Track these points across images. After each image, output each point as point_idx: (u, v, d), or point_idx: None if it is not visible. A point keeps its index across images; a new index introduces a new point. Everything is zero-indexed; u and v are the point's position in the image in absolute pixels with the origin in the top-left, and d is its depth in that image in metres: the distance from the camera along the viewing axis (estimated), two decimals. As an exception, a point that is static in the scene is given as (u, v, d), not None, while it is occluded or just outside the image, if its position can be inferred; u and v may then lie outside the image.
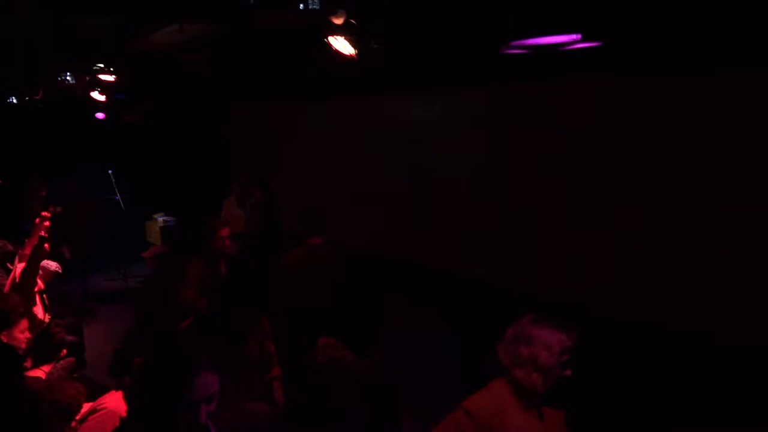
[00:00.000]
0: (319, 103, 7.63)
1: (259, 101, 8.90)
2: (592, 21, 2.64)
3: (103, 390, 3.66)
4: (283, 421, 3.43)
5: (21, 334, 3.63)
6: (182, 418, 2.15)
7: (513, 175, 5.34)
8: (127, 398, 2.96)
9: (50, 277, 4.91)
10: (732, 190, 3.85)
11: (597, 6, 2.66)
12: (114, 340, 4.26)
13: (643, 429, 3.87)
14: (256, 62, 6.38)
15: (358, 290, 5.26)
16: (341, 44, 4.11)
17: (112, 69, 6.57)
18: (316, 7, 3.97)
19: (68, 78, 7.15)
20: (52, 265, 4.88)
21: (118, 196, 8.83)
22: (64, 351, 3.98)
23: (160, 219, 9.48)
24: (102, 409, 2.96)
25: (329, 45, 4.12)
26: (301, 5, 3.97)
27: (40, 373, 3.73)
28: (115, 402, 2.98)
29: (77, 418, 3.11)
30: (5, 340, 3.51)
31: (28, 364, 4.10)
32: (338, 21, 3.96)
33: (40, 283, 4.67)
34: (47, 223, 4.57)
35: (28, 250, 4.61)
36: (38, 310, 4.66)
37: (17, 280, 4.39)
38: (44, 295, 4.92)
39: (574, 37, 2.62)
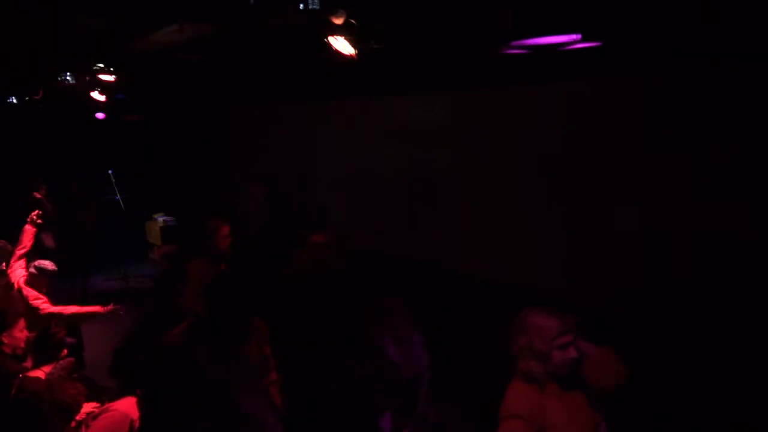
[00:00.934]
0: (319, 103, 7.63)
1: (259, 101, 8.90)
2: (592, 21, 2.64)
3: (103, 390, 3.66)
4: (281, 427, 3.41)
5: (20, 333, 3.64)
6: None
7: (513, 175, 5.34)
8: (140, 407, 2.96)
9: (48, 278, 4.91)
10: (733, 190, 3.85)
11: (597, 6, 2.65)
12: (114, 340, 4.27)
13: (643, 429, 3.87)
14: (256, 62, 6.38)
15: (357, 290, 5.27)
16: (341, 44, 4.11)
17: (112, 69, 6.57)
18: (316, 7, 3.97)
19: (68, 78, 7.15)
20: (47, 264, 4.87)
21: (118, 196, 8.82)
22: (65, 351, 3.99)
23: (160, 219, 9.49)
24: (114, 410, 2.96)
25: (329, 45, 4.12)
26: (301, 5, 3.97)
27: (40, 373, 3.75)
28: (127, 407, 2.99)
29: (77, 418, 3.11)
30: (6, 341, 3.52)
31: (28, 364, 4.11)
32: (338, 21, 3.96)
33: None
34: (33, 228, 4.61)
35: (18, 251, 4.64)
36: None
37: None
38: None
39: (574, 37, 2.62)
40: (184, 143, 10.45)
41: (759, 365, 3.61)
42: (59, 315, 4.57)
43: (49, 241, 5.98)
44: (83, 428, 3.01)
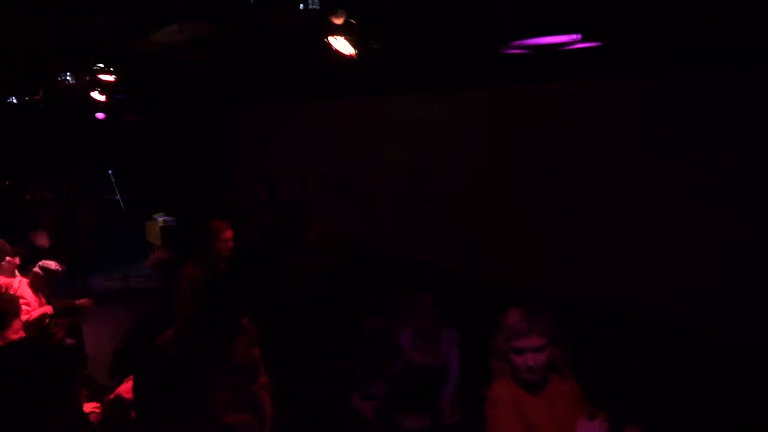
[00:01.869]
0: (319, 103, 7.63)
1: (259, 101, 8.90)
2: (592, 21, 2.64)
3: (104, 390, 3.67)
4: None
5: (15, 335, 3.61)
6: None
7: (513, 175, 5.34)
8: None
9: (51, 277, 4.93)
10: (733, 190, 3.85)
11: (597, 6, 2.65)
12: (114, 340, 4.27)
13: (642, 429, 3.87)
14: (256, 62, 6.38)
15: (357, 290, 5.27)
16: (341, 44, 4.11)
17: (112, 69, 6.57)
18: (316, 7, 3.97)
19: (68, 78, 7.15)
20: (51, 264, 4.88)
21: (118, 196, 8.82)
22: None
23: (160, 219, 9.49)
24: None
25: (329, 45, 4.12)
26: (301, 5, 3.97)
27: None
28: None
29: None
30: (0, 343, 3.50)
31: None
32: (338, 21, 3.96)
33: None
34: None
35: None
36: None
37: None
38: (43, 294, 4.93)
39: (574, 37, 2.62)
40: (184, 143, 10.45)
41: (759, 365, 3.61)
42: (45, 315, 4.58)
43: (42, 240, 5.96)
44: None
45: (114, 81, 6.73)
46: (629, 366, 4.11)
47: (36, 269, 4.83)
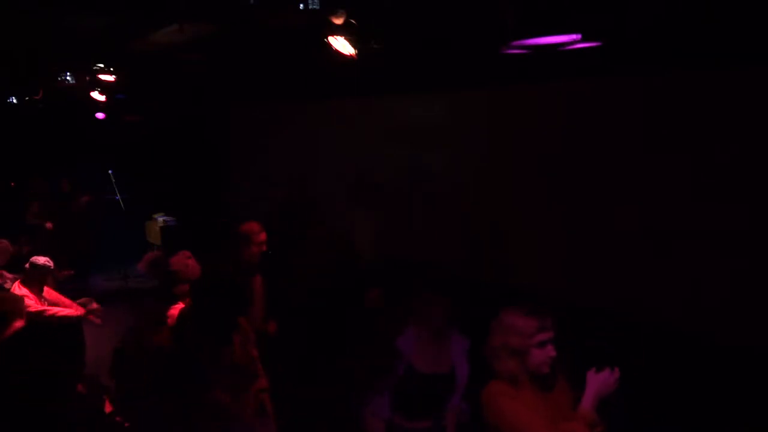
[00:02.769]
0: (319, 103, 7.63)
1: (260, 101, 8.90)
2: (592, 21, 2.64)
3: (104, 390, 3.67)
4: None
5: None
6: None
7: (513, 175, 5.34)
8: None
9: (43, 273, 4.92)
10: (733, 190, 3.85)
11: (597, 6, 2.65)
12: (114, 340, 4.26)
13: (642, 429, 3.87)
14: (256, 62, 6.38)
15: (357, 290, 5.26)
16: (341, 44, 4.11)
17: (112, 69, 6.57)
18: (316, 7, 3.96)
19: (68, 78, 7.15)
20: (40, 259, 4.88)
21: (118, 196, 8.83)
22: None
23: (160, 219, 9.50)
24: None
25: (329, 45, 4.12)
26: (301, 5, 3.97)
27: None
28: None
29: None
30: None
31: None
32: (338, 21, 3.96)
33: None
34: None
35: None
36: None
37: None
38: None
39: (574, 37, 2.62)
40: (184, 143, 10.45)
41: (759, 365, 3.61)
42: (38, 314, 4.56)
43: (24, 246, 5.95)
44: None
45: (114, 81, 6.73)
46: (629, 366, 4.10)
47: (26, 265, 4.83)
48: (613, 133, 4.51)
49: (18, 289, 4.74)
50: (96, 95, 7.75)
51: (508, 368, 2.24)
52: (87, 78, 7.05)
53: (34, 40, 5.61)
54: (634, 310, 4.33)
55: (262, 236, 4.19)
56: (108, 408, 3.35)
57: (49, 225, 6.74)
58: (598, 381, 2.19)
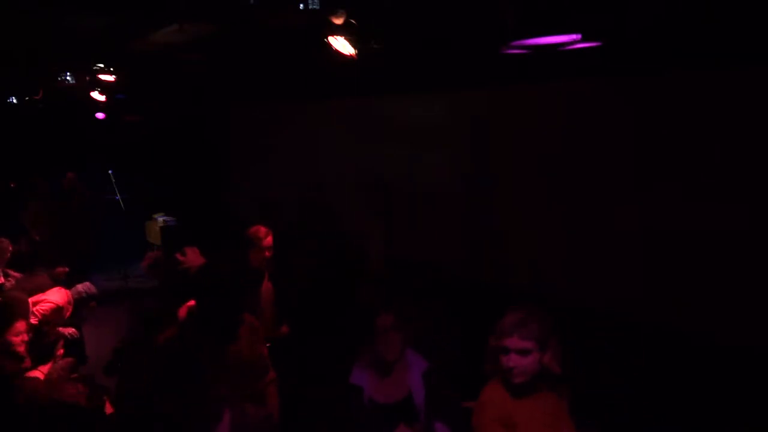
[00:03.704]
0: (319, 103, 7.63)
1: (259, 101, 8.90)
2: (592, 21, 2.64)
3: (104, 389, 3.66)
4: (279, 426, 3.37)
5: (17, 338, 3.60)
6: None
7: (513, 175, 5.34)
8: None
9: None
10: (733, 190, 3.85)
11: (597, 6, 2.65)
12: (114, 340, 4.26)
13: (642, 429, 3.87)
14: (256, 62, 6.38)
15: (357, 290, 5.27)
16: (341, 44, 4.11)
17: (112, 69, 6.57)
18: (316, 7, 3.96)
19: (68, 78, 7.15)
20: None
21: (118, 196, 8.83)
22: (61, 351, 3.97)
23: (160, 219, 9.49)
24: None
25: (329, 45, 4.12)
26: (301, 5, 3.97)
27: (38, 374, 3.72)
28: None
29: None
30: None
31: (27, 364, 4.09)
32: (338, 21, 3.96)
33: None
34: None
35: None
36: None
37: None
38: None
39: (574, 37, 2.62)
40: (184, 143, 10.45)
41: (759, 365, 3.61)
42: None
43: (24, 245, 5.93)
44: None
45: (114, 81, 6.73)
46: (629, 366, 4.11)
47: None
48: (613, 133, 4.51)
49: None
50: (96, 95, 7.76)
51: (486, 368, 2.28)
52: (87, 78, 7.06)
53: (34, 40, 5.62)
54: (634, 310, 4.33)
55: (269, 240, 4.15)
56: (108, 409, 3.34)
57: (36, 237, 6.72)
58: None
